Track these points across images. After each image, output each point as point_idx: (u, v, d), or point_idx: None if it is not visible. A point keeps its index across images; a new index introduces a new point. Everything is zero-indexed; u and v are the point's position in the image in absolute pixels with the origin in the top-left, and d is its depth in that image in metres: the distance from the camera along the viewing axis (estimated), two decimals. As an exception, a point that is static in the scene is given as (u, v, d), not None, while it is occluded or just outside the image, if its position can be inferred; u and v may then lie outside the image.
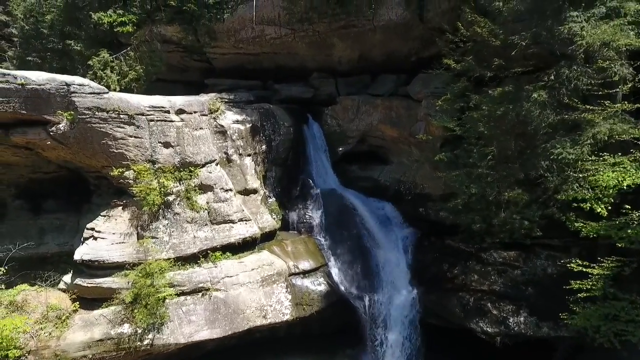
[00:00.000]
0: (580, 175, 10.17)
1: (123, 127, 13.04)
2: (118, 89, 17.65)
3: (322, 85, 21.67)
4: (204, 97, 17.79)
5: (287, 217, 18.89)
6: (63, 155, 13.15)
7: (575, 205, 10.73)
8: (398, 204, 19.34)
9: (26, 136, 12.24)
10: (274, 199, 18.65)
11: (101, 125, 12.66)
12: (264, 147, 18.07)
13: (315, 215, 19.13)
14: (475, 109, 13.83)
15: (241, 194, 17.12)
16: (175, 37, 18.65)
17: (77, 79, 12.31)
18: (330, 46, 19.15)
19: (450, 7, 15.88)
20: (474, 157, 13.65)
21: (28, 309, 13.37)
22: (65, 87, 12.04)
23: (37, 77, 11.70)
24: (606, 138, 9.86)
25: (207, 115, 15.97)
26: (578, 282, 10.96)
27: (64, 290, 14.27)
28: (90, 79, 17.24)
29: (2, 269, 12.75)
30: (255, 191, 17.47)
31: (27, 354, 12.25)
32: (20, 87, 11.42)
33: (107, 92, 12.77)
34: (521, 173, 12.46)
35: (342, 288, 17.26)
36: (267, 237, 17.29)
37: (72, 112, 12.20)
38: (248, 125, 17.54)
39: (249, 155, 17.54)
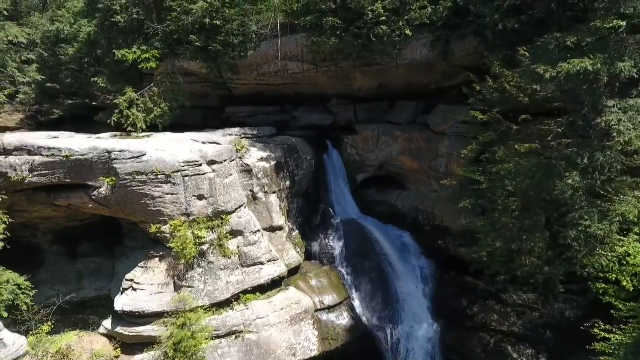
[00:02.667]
0: (609, 254, 10.69)
1: (160, 186, 13.39)
2: (144, 126, 17.88)
3: (340, 112, 21.84)
4: (228, 136, 18.07)
5: (309, 248, 19.49)
6: (101, 212, 13.54)
7: (601, 274, 11.29)
8: (416, 233, 19.87)
9: (69, 200, 12.61)
10: (297, 231, 19.16)
11: (140, 187, 13.01)
12: (287, 182, 18.45)
13: (336, 246, 19.73)
14: (500, 162, 14.15)
15: (267, 231, 17.60)
16: (198, 71, 18.67)
17: (118, 145, 12.57)
18: (351, 79, 19.22)
19: (475, 50, 15.92)
20: (499, 209, 14.06)
21: (73, 356, 14.06)
22: (106, 154, 12.33)
23: (80, 146, 11.96)
24: (635, 220, 10.33)
25: (235, 159, 16.26)
26: (599, 344, 11.62)
27: (104, 335, 14.95)
28: (117, 117, 17.60)
29: (49, 323, 13.31)
30: (280, 228, 17.97)
31: (78, 404, 13.01)
32: (64, 159, 11.72)
33: (145, 154, 13.04)
34: (546, 231, 12.92)
35: (364, 319, 18.05)
36: (292, 272, 17.91)
37: (114, 178, 12.53)
38: (272, 163, 17.85)
39: (273, 192, 17.92)
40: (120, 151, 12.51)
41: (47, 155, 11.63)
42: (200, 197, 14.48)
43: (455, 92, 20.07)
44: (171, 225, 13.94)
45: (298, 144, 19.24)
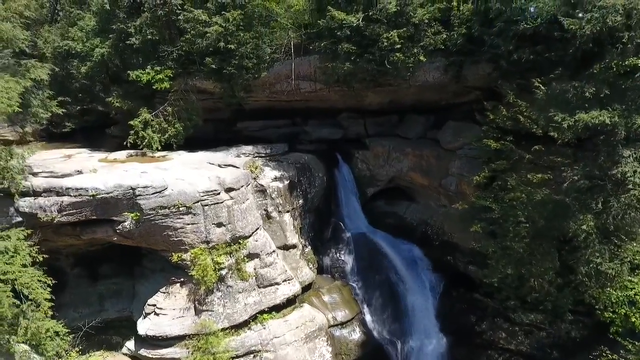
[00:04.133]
0: (619, 293, 11.15)
1: (182, 218, 13.74)
2: (160, 147, 18.09)
3: (350, 125, 22.03)
4: (243, 156, 18.32)
5: (321, 262, 19.96)
6: (125, 243, 13.91)
7: (610, 309, 11.78)
8: (425, 247, 20.34)
9: (95, 235, 12.98)
10: (309, 247, 19.58)
11: (163, 220, 13.36)
12: (300, 201, 18.78)
13: (347, 260, 20.22)
14: (512, 190, 14.48)
15: (281, 249, 18.03)
16: (211, 90, 18.78)
17: (142, 182, 12.86)
18: (363, 97, 19.38)
19: (489, 76, 16.06)
20: (510, 236, 14.45)
21: (99, 377, 14.63)
22: (130, 191, 12.64)
23: (105, 184, 12.26)
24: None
25: (250, 184, 16.56)
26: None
27: (128, 355, 15.51)
28: (133, 139, 17.79)
29: (77, 349, 13.79)
30: (294, 246, 18.38)
31: None
32: (91, 198, 12.02)
33: (167, 188, 13.33)
34: (557, 262, 13.35)
35: (375, 334, 18.65)
36: (305, 288, 18.41)
37: (138, 213, 12.86)
38: (286, 182, 18.14)
39: (287, 211, 18.27)
40: (144, 187, 12.80)
41: (74, 196, 11.94)
42: (219, 225, 14.83)
43: (466, 107, 20.34)
44: (192, 254, 14.32)
45: (310, 162, 19.50)
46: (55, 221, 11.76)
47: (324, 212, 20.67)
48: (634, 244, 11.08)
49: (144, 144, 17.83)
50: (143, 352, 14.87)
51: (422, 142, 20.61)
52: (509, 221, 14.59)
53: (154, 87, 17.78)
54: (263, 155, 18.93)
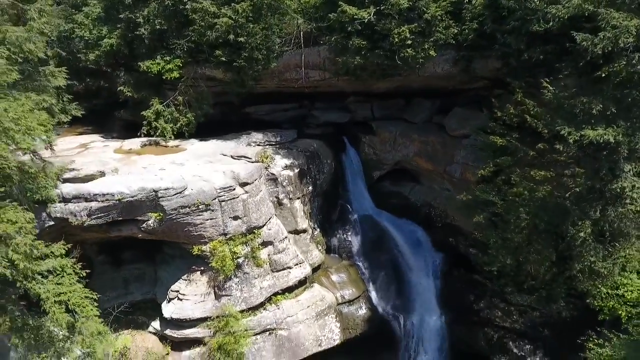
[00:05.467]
0: (610, 292, 12.15)
1: (202, 214, 14.51)
2: (172, 136, 18.52)
3: (358, 109, 22.29)
4: (254, 145, 18.78)
5: (329, 243, 21.02)
6: (148, 238, 14.79)
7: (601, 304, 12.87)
8: (428, 228, 21.32)
9: (121, 233, 13.82)
10: (318, 230, 20.53)
11: (184, 217, 14.14)
12: (310, 188, 19.49)
13: (354, 240, 21.28)
14: (515, 185, 15.13)
15: (292, 234, 18.98)
16: (221, 78, 18.87)
17: (163, 184, 13.47)
18: (371, 84, 19.50)
19: (498, 71, 16.20)
20: (511, 228, 15.28)
21: (130, 355, 16.06)
22: (153, 193, 13.30)
23: (130, 188, 12.90)
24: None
25: (262, 175, 17.19)
26: (590, 354, 13.49)
27: (153, 334, 16.89)
28: (147, 129, 18.21)
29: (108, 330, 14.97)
30: (304, 231, 19.32)
31: (141, 398, 15.22)
32: (118, 201, 12.71)
33: (186, 188, 13.98)
34: (553, 255, 14.29)
35: (380, 310, 20.08)
36: (315, 269, 19.58)
37: (161, 213, 13.60)
38: (296, 170, 18.76)
39: (298, 198, 19.03)
40: (165, 189, 13.44)
41: (102, 201, 12.61)
42: (235, 218, 15.64)
43: (473, 93, 20.54)
44: (211, 246, 15.25)
45: (319, 149, 19.98)
46: (85, 225, 12.51)
47: (332, 195, 21.44)
48: (627, 246, 11.92)
49: (157, 134, 18.24)
50: (169, 332, 16.20)
51: (428, 128, 20.97)
52: (511, 214, 15.36)
53: (164, 77, 17.89)
54: (273, 143, 19.37)
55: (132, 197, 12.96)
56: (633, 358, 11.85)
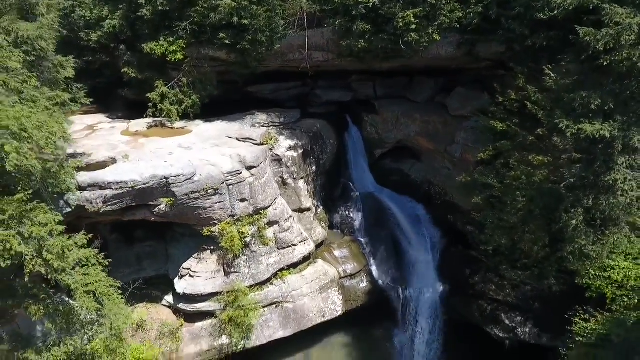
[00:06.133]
0: (598, 273, 12.92)
1: (210, 199, 15.09)
2: (178, 117, 18.79)
3: (360, 88, 22.37)
4: (258, 127, 19.07)
5: (331, 220, 21.81)
6: (159, 220, 15.45)
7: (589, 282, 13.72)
8: (428, 205, 22.01)
9: (134, 217, 14.47)
10: (321, 208, 21.25)
11: (194, 202, 14.72)
12: (313, 168, 19.99)
13: (356, 217, 22.03)
14: (514, 169, 15.63)
15: (296, 212, 19.70)
16: (224, 59, 18.87)
17: (174, 171, 13.94)
18: (374, 64, 19.49)
19: (501, 54, 16.25)
20: (507, 210, 15.92)
21: (146, 326, 17.16)
22: (164, 180, 13.80)
23: (142, 176, 13.39)
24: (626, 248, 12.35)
25: (268, 157, 17.62)
26: (576, 327, 14.51)
27: (167, 307, 17.94)
28: (153, 111, 18.46)
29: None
30: (308, 209, 20.02)
31: (159, 366, 16.44)
32: (131, 189, 13.23)
33: (195, 174, 14.46)
34: (547, 237, 15.00)
35: (381, 282, 21.11)
36: (319, 245, 20.44)
37: (172, 199, 14.16)
38: (300, 151, 19.20)
39: (301, 178, 19.59)
40: (176, 176, 13.94)
41: (116, 189, 13.12)
42: (242, 200, 16.25)
43: (475, 72, 20.58)
44: (220, 227, 15.94)
45: (322, 129, 20.29)
46: (101, 211, 13.11)
47: (334, 174, 21.97)
48: (617, 231, 12.57)
49: (162, 115, 18.50)
50: (182, 305, 17.23)
51: (430, 108, 21.17)
52: (508, 197, 15.95)
53: (168, 59, 17.91)
54: (277, 124, 19.65)
55: (144, 184, 13.48)
56: (615, 333, 12.82)
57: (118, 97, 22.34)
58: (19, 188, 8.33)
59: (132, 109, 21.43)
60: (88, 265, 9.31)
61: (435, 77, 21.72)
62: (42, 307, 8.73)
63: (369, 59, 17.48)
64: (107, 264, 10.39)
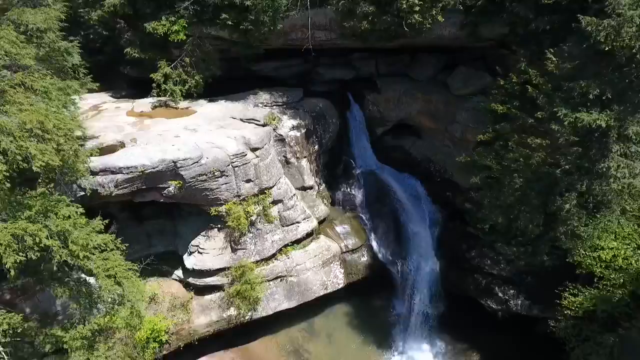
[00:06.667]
0: (588, 252, 13.60)
1: (217, 180, 15.57)
2: (181, 97, 18.99)
3: (362, 66, 22.36)
4: (262, 107, 19.29)
5: (333, 196, 22.38)
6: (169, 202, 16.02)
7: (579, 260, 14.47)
8: (427, 182, 22.54)
9: (144, 198, 15.02)
10: (324, 185, 21.78)
11: (202, 184, 15.21)
12: (316, 147, 20.35)
13: (357, 194, 22.63)
14: (512, 151, 16.02)
15: (299, 190, 20.27)
16: (227, 38, 18.82)
17: (181, 155, 14.34)
18: (376, 44, 19.44)
19: (504, 36, 16.25)
20: (504, 191, 16.45)
21: (158, 299, 18.09)
22: (172, 164, 14.23)
23: (152, 161, 13.81)
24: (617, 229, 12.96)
25: (271, 138, 17.97)
26: (565, 301, 15.40)
27: (177, 280, 18.84)
28: (157, 92, 18.63)
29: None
30: (311, 187, 20.58)
31: (172, 336, 17.48)
32: (141, 173, 13.68)
33: (202, 157, 14.88)
34: (541, 217, 15.60)
35: (380, 256, 21.98)
36: (321, 222, 21.14)
37: (180, 182, 14.65)
38: (303, 131, 19.52)
39: (304, 157, 20.01)
40: (184, 160, 14.36)
41: (126, 173, 13.57)
42: (248, 181, 16.75)
43: (478, 51, 20.56)
44: (227, 207, 16.53)
45: (325, 109, 20.48)
46: (113, 194, 13.64)
47: (336, 151, 22.34)
48: (608, 214, 13.15)
49: (167, 95, 18.67)
50: (191, 280, 18.11)
51: (432, 87, 21.26)
52: (506, 178, 16.43)
53: (170, 39, 17.89)
54: (280, 103, 19.83)
55: (154, 168, 13.93)
56: (600, 308, 13.70)
57: (120, 74, 22.34)
58: (39, 181, 8.80)
59: (135, 86, 21.52)
60: (107, 250, 9.92)
61: (437, 55, 21.64)
62: (67, 289, 9.41)
63: (372, 40, 17.43)
64: (125, 248, 11.01)
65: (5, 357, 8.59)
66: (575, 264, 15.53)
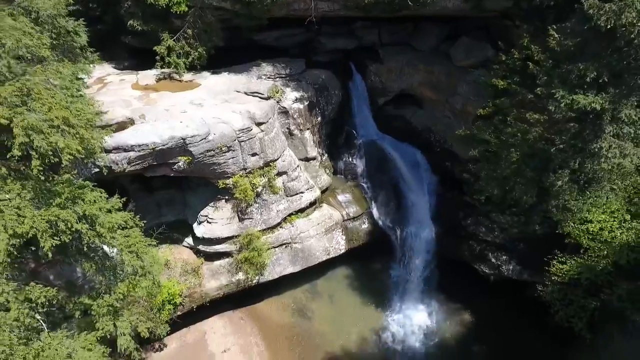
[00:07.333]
0: (577, 225, 14.43)
1: (224, 155, 16.11)
2: (185, 70, 19.11)
3: (365, 35, 22.22)
4: (265, 80, 19.44)
5: (335, 166, 23.05)
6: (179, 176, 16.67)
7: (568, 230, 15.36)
8: (427, 152, 23.10)
9: (155, 173, 15.62)
10: (326, 155, 22.35)
11: (210, 159, 15.77)
12: (319, 118, 20.72)
13: (358, 163, 23.26)
14: (510, 126, 16.48)
15: (303, 161, 20.88)
16: (229, 8, 18.68)
17: (190, 132, 14.78)
18: (380, 15, 19.27)
19: (508, 7, 16.20)
20: (501, 163, 17.05)
21: (171, 265, 19.21)
22: (182, 141, 14.70)
23: (162, 138, 14.28)
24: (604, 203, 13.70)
25: (275, 112, 18.31)
26: (553, 268, 16.49)
27: (187, 247, 19.88)
28: (160, 65, 18.75)
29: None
30: (314, 158, 21.15)
31: (185, 298, 18.75)
32: (152, 150, 14.20)
33: (210, 133, 15.33)
34: (535, 190, 16.32)
35: (380, 223, 22.96)
36: (324, 191, 21.91)
37: (189, 157, 15.20)
38: (306, 103, 19.82)
39: (307, 129, 20.43)
40: (192, 137, 14.82)
41: (138, 151, 14.09)
42: (253, 155, 17.31)
43: (481, 21, 20.41)
44: (234, 180, 17.21)
45: (327, 80, 20.63)
46: (126, 171, 14.25)
47: (339, 122, 22.72)
48: (598, 189, 13.85)
49: (170, 68, 18.79)
50: (201, 247, 19.13)
51: (434, 57, 21.27)
52: (503, 152, 16.98)
53: (172, 11, 17.77)
54: (283, 75, 19.96)
55: (164, 145, 14.43)
56: (584, 276, 14.75)
57: (121, 43, 22.18)
58: (62, 166, 9.38)
59: (137, 56, 21.48)
60: (127, 227, 10.68)
61: (440, 25, 21.45)
62: (93, 264, 10.26)
63: (376, 12, 17.34)
64: (143, 225, 11.77)
65: (43, 324, 9.60)
66: (564, 234, 16.46)
